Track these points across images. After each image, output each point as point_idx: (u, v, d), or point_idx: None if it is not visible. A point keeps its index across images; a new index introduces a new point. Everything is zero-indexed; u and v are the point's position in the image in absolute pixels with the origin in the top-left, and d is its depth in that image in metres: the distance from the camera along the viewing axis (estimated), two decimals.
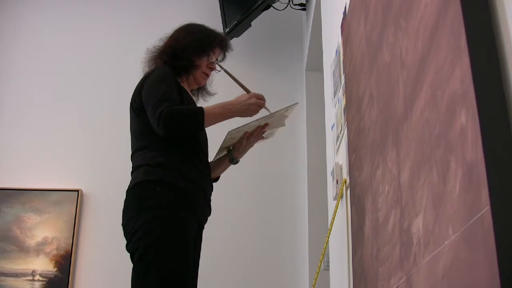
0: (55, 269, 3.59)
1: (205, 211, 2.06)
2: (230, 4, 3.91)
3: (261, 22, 3.93)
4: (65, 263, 3.59)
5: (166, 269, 1.83)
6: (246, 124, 2.15)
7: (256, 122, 2.16)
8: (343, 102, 2.15)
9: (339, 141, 2.26)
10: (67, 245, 3.63)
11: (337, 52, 2.33)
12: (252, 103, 2.06)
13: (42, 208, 3.70)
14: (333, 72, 2.46)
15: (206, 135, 2.17)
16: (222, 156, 2.25)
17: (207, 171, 2.11)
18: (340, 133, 2.22)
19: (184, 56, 2.15)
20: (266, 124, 2.19)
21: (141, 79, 2.12)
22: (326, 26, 2.88)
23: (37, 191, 3.73)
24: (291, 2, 3.93)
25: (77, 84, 4.05)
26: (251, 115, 2.10)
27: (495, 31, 0.81)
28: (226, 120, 2.06)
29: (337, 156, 2.31)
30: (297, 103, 2.27)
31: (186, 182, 1.96)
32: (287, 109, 2.18)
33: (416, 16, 1.11)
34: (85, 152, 3.88)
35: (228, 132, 2.14)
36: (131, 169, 2.05)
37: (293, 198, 3.79)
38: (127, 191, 1.99)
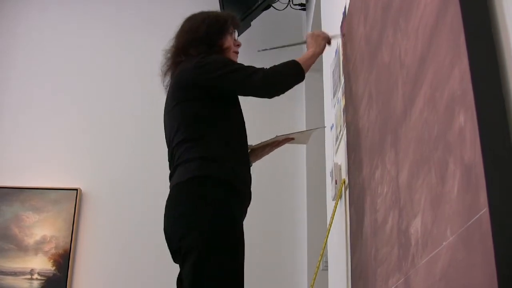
0: (54, 267, 3.58)
1: (246, 212, 1.94)
2: (230, 4, 3.91)
3: (261, 22, 3.92)
4: (63, 262, 3.59)
5: (229, 268, 1.73)
6: (283, 134, 2.20)
7: (287, 134, 2.22)
8: (343, 103, 2.15)
9: (338, 141, 2.26)
10: (65, 244, 3.62)
11: (336, 52, 2.33)
12: (321, 39, 2.10)
13: (41, 206, 3.69)
14: (333, 72, 2.46)
15: None
16: None
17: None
18: (340, 133, 2.22)
19: (211, 43, 2.05)
20: (293, 138, 2.24)
21: (183, 71, 1.97)
22: (326, 26, 2.87)
23: (36, 190, 3.73)
24: (291, 2, 3.92)
25: (77, 84, 4.04)
26: (324, 47, 2.13)
27: (494, 31, 0.81)
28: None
29: (336, 156, 2.31)
30: (325, 126, 2.37)
31: (241, 181, 1.86)
32: (316, 129, 2.31)
33: (416, 15, 1.11)
34: (84, 151, 3.87)
35: (276, 135, 2.17)
36: (175, 162, 1.87)
37: (292, 198, 3.78)
38: (176, 186, 1.83)
